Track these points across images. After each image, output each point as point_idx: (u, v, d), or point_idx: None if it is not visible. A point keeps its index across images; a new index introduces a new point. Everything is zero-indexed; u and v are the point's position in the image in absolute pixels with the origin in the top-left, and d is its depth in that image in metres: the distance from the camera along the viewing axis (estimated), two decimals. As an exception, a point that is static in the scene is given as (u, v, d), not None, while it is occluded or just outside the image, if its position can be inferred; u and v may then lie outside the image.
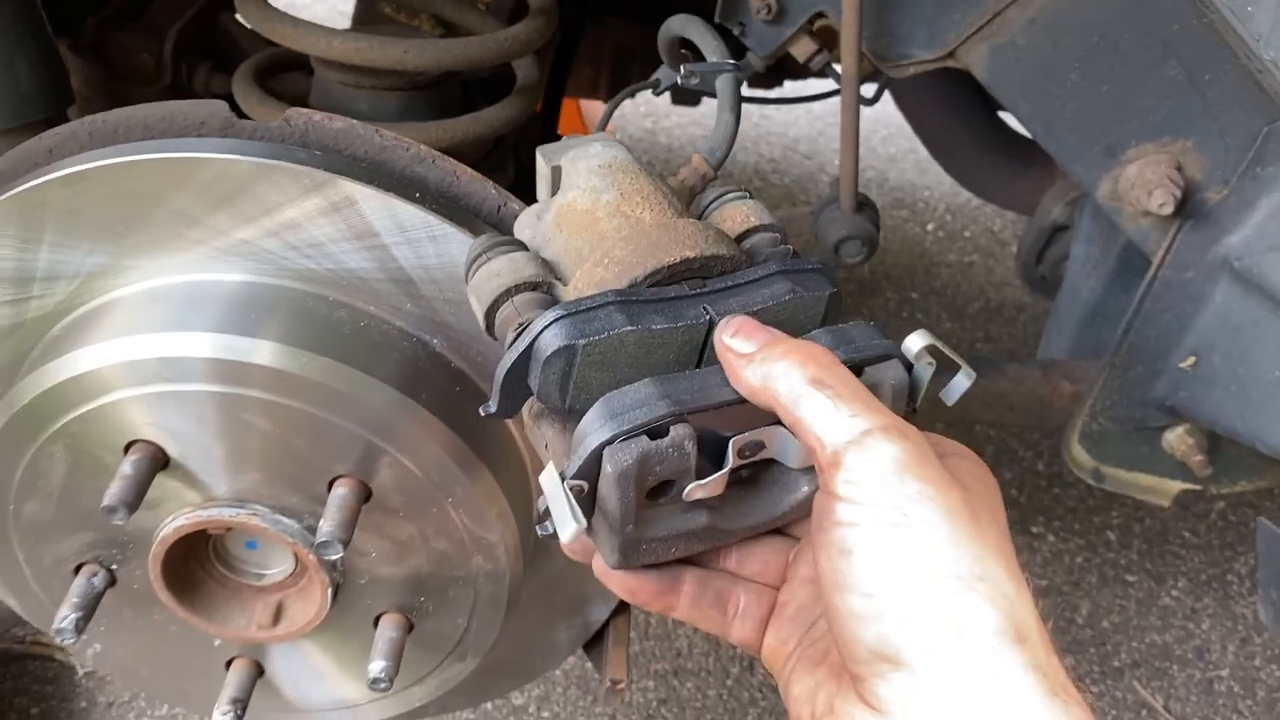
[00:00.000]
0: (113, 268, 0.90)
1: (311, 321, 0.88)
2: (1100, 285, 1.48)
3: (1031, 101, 1.16)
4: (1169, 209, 1.12)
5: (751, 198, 0.82)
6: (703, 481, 0.66)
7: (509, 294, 0.72)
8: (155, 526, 0.93)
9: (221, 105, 0.89)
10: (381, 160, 0.88)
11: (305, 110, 0.89)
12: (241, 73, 1.24)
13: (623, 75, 2.03)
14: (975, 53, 1.14)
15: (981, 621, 0.56)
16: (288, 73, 1.33)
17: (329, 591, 0.95)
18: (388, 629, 0.97)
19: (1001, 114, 1.83)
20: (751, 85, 1.91)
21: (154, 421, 0.88)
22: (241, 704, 1.01)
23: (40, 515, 0.94)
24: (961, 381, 0.71)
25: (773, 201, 2.94)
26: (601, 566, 0.72)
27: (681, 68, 1.09)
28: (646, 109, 3.37)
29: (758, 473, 0.71)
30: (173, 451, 0.89)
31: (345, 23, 1.40)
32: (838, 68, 1.19)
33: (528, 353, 0.67)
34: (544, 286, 0.73)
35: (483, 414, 0.70)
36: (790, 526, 0.76)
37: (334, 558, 0.85)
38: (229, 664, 1.04)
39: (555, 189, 0.80)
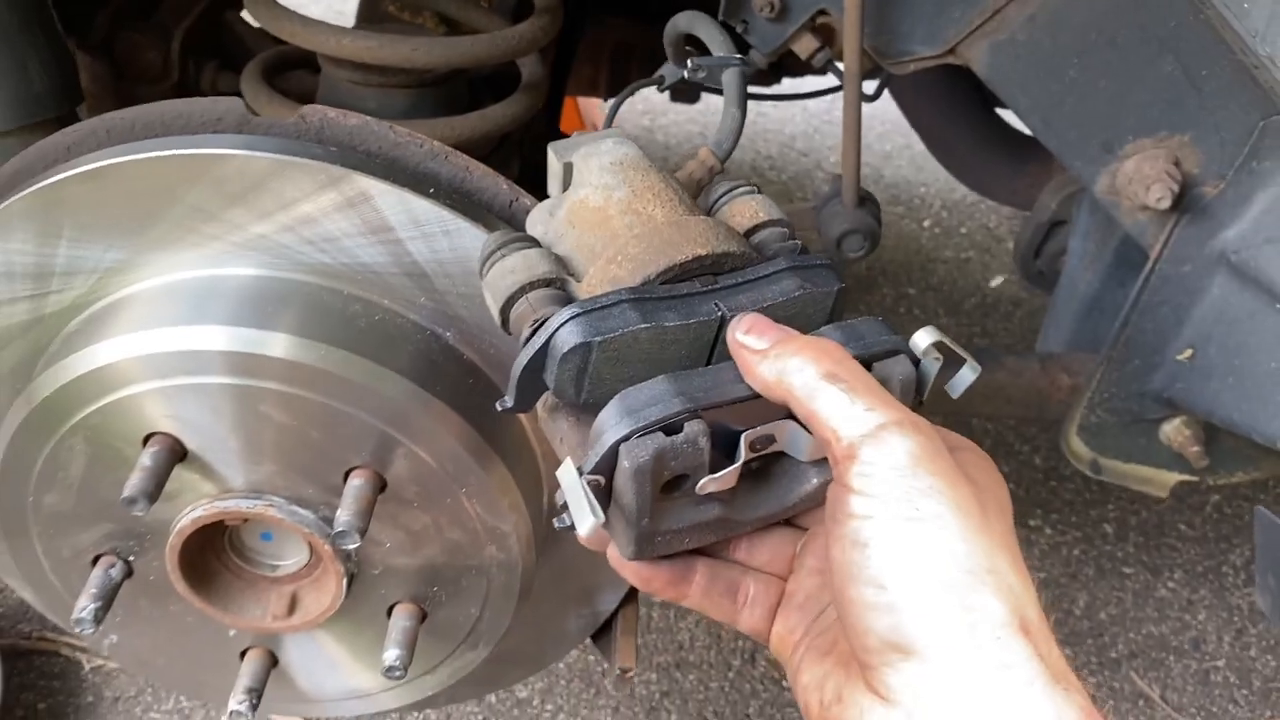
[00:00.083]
0: (130, 263, 0.91)
1: (327, 315, 0.90)
2: (1097, 279, 1.50)
3: (1031, 97, 1.18)
4: (1166, 203, 1.13)
5: (760, 192, 0.83)
6: (716, 475, 0.67)
7: (523, 291, 0.73)
8: (172, 518, 0.94)
9: (237, 102, 0.90)
10: (396, 156, 0.90)
11: (320, 107, 0.90)
12: (250, 71, 1.26)
13: (622, 74, 2.04)
14: (975, 49, 1.16)
15: (990, 614, 0.58)
16: (294, 71, 1.34)
17: (344, 582, 0.96)
18: (401, 618, 0.99)
19: (999, 111, 1.85)
20: (750, 83, 1.92)
21: (172, 414, 0.89)
22: (256, 694, 1.02)
23: (59, 507, 0.95)
24: (967, 375, 0.72)
25: (771, 198, 2.95)
26: (616, 556, 0.73)
27: (689, 61, 1.11)
28: (644, 107, 3.39)
29: (768, 465, 0.73)
30: (191, 443, 0.90)
31: (342, 22, 1.41)
32: (839, 65, 1.21)
33: (544, 350, 0.69)
34: (558, 283, 0.74)
35: (499, 409, 0.72)
36: (798, 518, 0.78)
37: (351, 547, 0.87)
38: (244, 654, 1.05)
39: (566, 185, 0.82)
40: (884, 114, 2.82)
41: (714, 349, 0.72)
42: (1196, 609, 2.08)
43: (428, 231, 0.88)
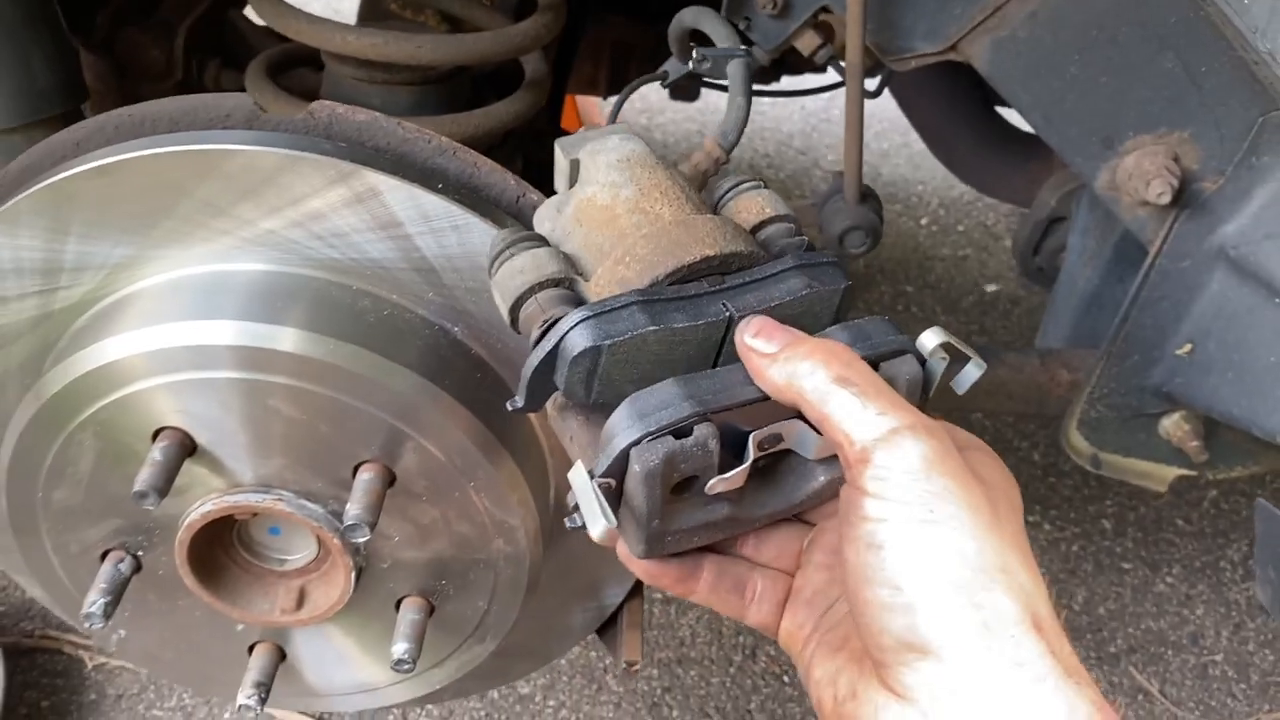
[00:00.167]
0: (139, 258, 0.91)
1: (336, 309, 0.90)
2: (1097, 275, 1.50)
3: (1032, 94, 1.19)
4: (1166, 199, 1.14)
5: (766, 187, 0.84)
6: (725, 476, 0.68)
7: (532, 291, 0.73)
8: (181, 512, 0.95)
9: (245, 98, 0.91)
10: (404, 152, 0.90)
11: (329, 103, 0.91)
12: (254, 69, 1.26)
13: (621, 72, 2.05)
14: (977, 46, 1.17)
15: (1004, 613, 0.59)
16: (297, 69, 1.34)
17: (352, 575, 0.97)
18: (410, 612, 0.99)
19: (998, 108, 1.86)
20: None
21: (182, 409, 0.90)
22: (265, 688, 1.03)
23: (68, 502, 0.96)
24: (972, 371, 0.73)
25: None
26: (626, 553, 0.74)
27: (694, 51, 1.11)
28: (642, 105, 3.39)
29: (775, 463, 0.74)
30: (200, 438, 0.91)
31: (339, 20, 1.41)
32: (840, 62, 1.21)
33: (554, 352, 0.69)
34: (566, 282, 0.74)
35: (510, 409, 0.73)
36: (804, 513, 0.78)
37: (361, 540, 0.87)
38: (251, 648, 1.05)
39: (573, 181, 0.82)
40: (881, 112, 2.83)
41: (721, 347, 0.72)
42: (1194, 604, 2.09)
43: (436, 227, 0.89)
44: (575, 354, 0.68)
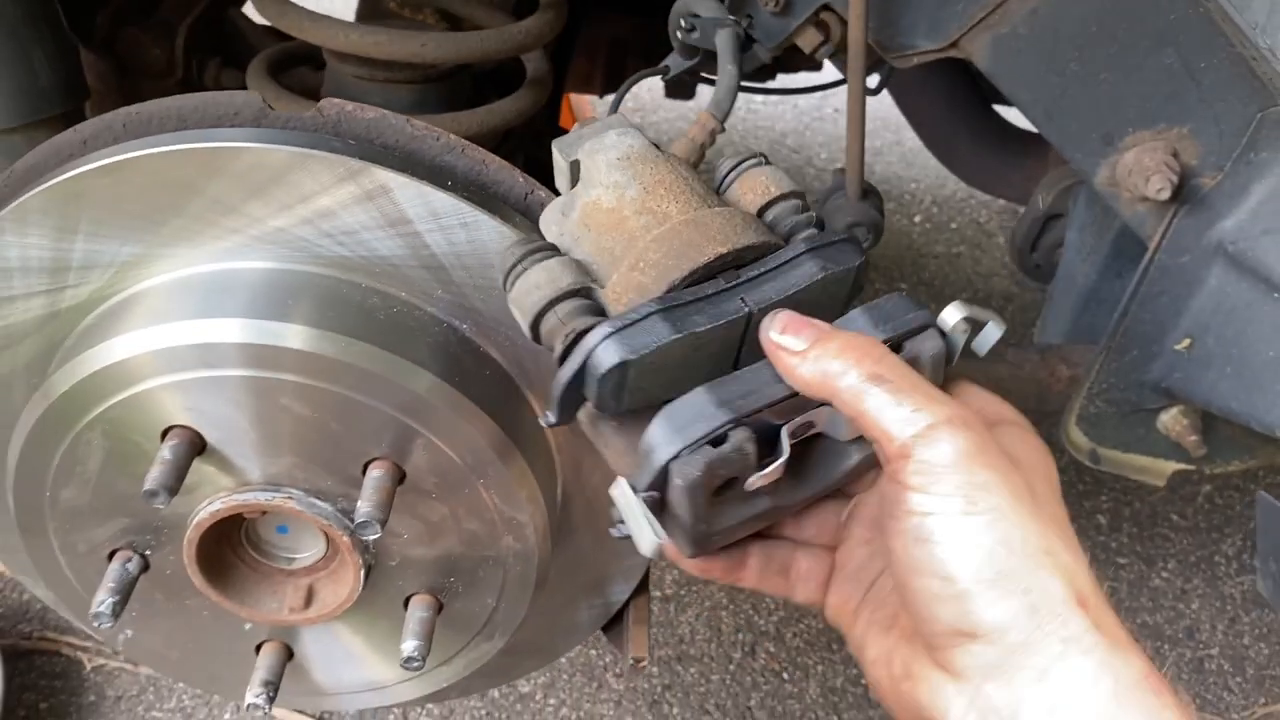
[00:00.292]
0: (148, 256, 0.91)
1: (346, 307, 0.90)
2: (1095, 271, 1.51)
3: (1032, 90, 1.19)
4: (1166, 194, 1.15)
5: (768, 162, 0.83)
6: (763, 472, 0.69)
7: (551, 305, 0.74)
8: (189, 511, 0.95)
9: (255, 96, 0.91)
10: (413, 149, 0.90)
11: (338, 100, 0.91)
12: (255, 67, 1.26)
13: (618, 70, 2.05)
14: (978, 43, 1.17)
15: (1050, 593, 0.62)
16: (297, 67, 1.34)
17: (361, 573, 0.97)
18: (418, 609, 0.99)
19: (995, 106, 1.87)
20: (746, 79, 1.94)
21: (192, 407, 0.89)
22: (273, 686, 1.02)
23: (76, 502, 0.95)
24: (992, 332, 0.74)
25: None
26: (675, 552, 0.76)
27: (681, 21, 1.12)
28: (635, 103, 3.40)
29: (807, 448, 0.74)
30: (210, 436, 0.91)
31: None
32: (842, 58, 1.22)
33: (582, 369, 0.70)
34: (584, 292, 0.75)
35: (544, 425, 0.74)
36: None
37: (372, 538, 0.87)
38: (259, 647, 1.05)
39: (574, 182, 0.82)
40: (874, 110, 2.83)
41: (743, 340, 0.73)
42: (1190, 598, 2.10)
43: (445, 224, 0.89)
44: (603, 371, 0.69)
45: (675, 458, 0.66)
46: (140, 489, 0.86)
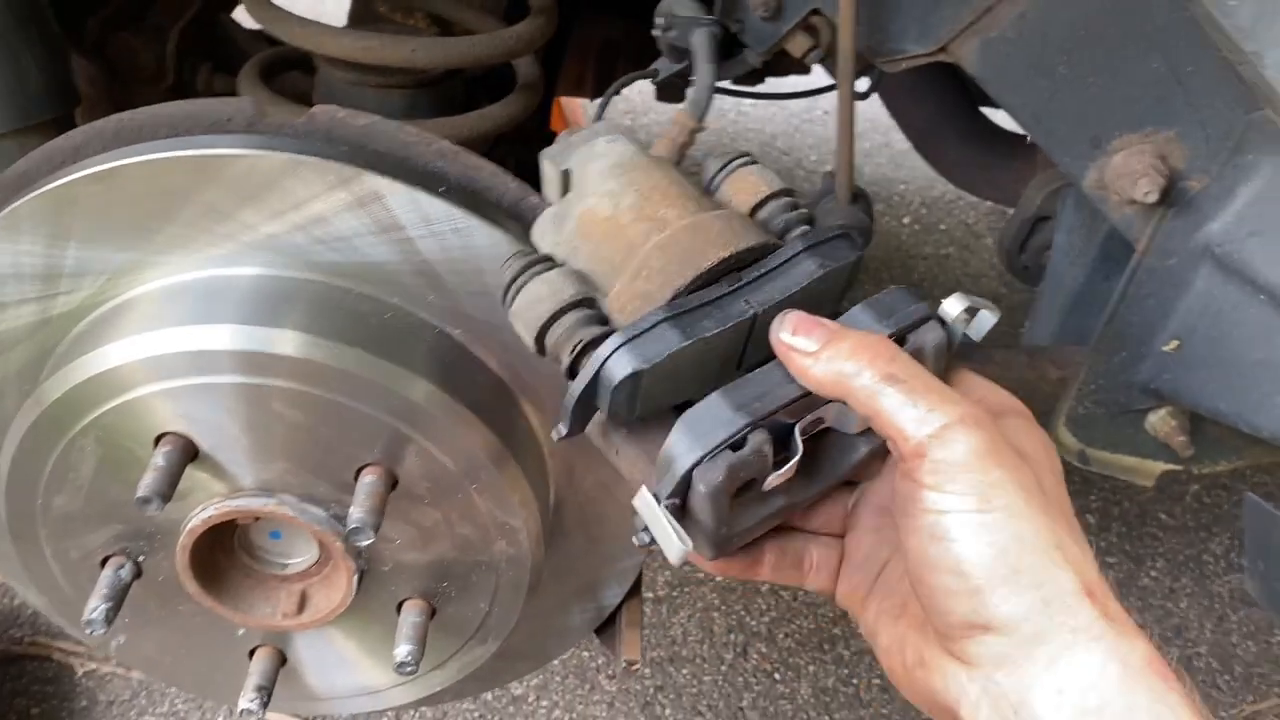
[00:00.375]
0: (141, 263, 0.91)
1: (338, 312, 0.90)
2: (1083, 273, 1.52)
3: (1021, 94, 1.20)
4: (1153, 197, 1.16)
5: (755, 161, 0.83)
6: (779, 472, 0.70)
7: (555, 317, 0.74)
8: (182, 518, 0.95)
9: (247, 102, 0.91)
10: (405, 156, 0.91)
11: (330, 107, 0.91)
12: (246, 73, 1.26)
13: (608, 73, 2.05)
14: (966, 47, 1.18)
15: (1060, 585, 0.64)
16: (288, 72, 1.34)
17: (354, 579, 0.97)
18: (411, 614, 1.00)
19: (983, 109, 1.88)
20: (735, 82, 1.94)
21: (184, 413, 0.89)
22: (267, 692, 1.03)
23: (68, 508, 0.95)
24: (987, 318, 0.75)
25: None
26: (697, 555, 0.76)
27: (657, 19, 1.12)
28: (625, 106, 3.40)
29: (817, 443, 0.75)
30: (203, 443, 0.91)
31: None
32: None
33: (594, 381, 0.70)
34: (586, 302, 0.75)
35: (555, 438, 0.74)
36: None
37: (365, 544, 0.88)
38: (253, 653, 1.05)
39: (565, 191, 0.82)
40: (863, 111, 2.83)
41: (747, 341, 0.74)
42: (1178, 597, 2.11)
43: (437, 230, 0.89)
44: (617, 382, 0.69)
45: (697, 465, 0.67)
46: (133, 495, 0.86)
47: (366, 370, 0.88)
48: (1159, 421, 1.39)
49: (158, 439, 0.90)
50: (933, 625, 0.68)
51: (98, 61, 1.37)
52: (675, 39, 1.13)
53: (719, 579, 2.06)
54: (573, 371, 0.72)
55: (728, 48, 1.21)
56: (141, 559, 0.99)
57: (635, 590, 1.14)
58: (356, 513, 0.88)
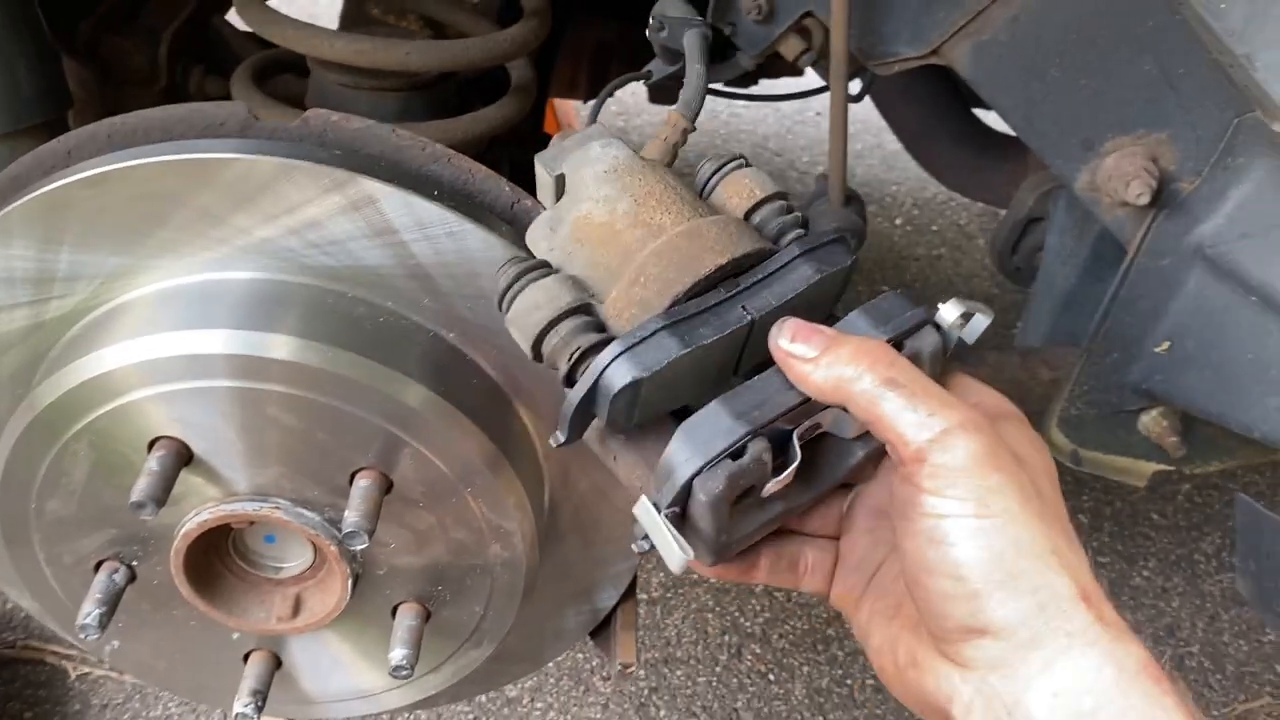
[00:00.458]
0: (134, 267, 0.91)
1: (332, 316, 0.90)
2: (1075, 274, 1.52)
3: (1013, 96, 1.20)
4: (1145, 199, 1.16)
5: (749, 164, 0.83)
6: (778, 479, 0.71)
7: (553, 324, 0.74)
8: (176, 522, 0.94)
9: (240, 106, 0.91)
10: (399, 159, 0.91)
11: (323, 111, 0.91)
12: (240, 75, 1.26)
13: (602, 75, 2.05)
14: (959, 50, 1.18)
15: (1056, 590, 0.65)
16: (281, 75, 1.34)
17: (349, 582, 0.97)
18: (406, 618, 1.00)
19: (975, 111, 1.88)
20: (728, 84, 1.95)
21: (178, 418, 0.89)
22: (261, 695, 1.02)
23: (62, 513, 0.95)
24: (981, 321, 0.76)
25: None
26: (697, 562, 0.77)
27: (650, 20, 1.13)
28: (619, 108, 3.40)
29: (814, 448, 0.76)
30: (197, 447, 0.91)
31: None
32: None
33: (593, 389, 0.70)
34: (583, 309, 0.74)
35: (554, 445, 0.74)
36: None
37: (360, 548, 0.87)
38: (247, 656, 1.05)
39: (559, 196, 0.82)
40: (856, 112, 2.84)
41: (745, 346, 0.74)
42: (1170, 596, 2.12)
43: (431, 234, 0.89)
44: (616, 391, 0.69)
45: (698, 474, 0.67)
46: (127, 500, 0.86)
47: (361, 374, 0.88)
48: (1151, 422, 1.39)
49: (152, 443, 0.90)
50: (928, 628, 0.69)
51: (90, 64, 1.36)
52: (668, 40, 1.13)
53: (713, 581, 2.06)
54: (570, 378, 0.72)
55: (721, 50, 1.21)
56: (135, 563, 0.99)
57: (630, 593, 1.14)
58: (351, 517, 0.88)
